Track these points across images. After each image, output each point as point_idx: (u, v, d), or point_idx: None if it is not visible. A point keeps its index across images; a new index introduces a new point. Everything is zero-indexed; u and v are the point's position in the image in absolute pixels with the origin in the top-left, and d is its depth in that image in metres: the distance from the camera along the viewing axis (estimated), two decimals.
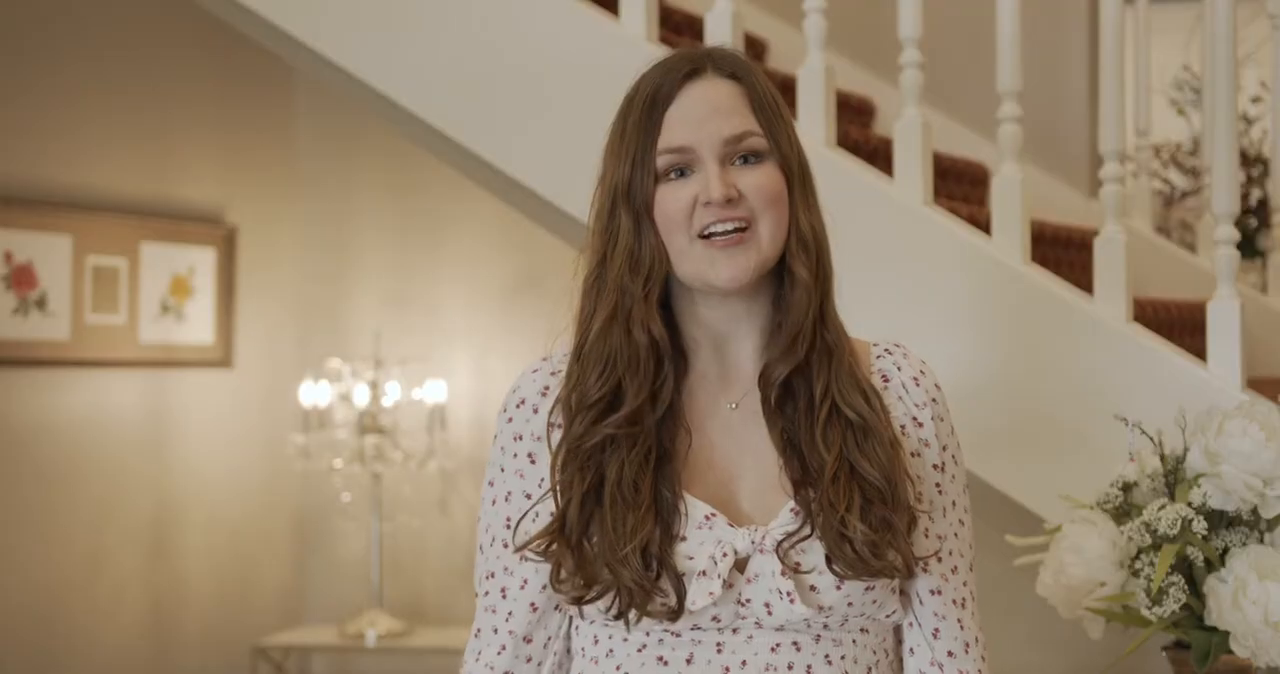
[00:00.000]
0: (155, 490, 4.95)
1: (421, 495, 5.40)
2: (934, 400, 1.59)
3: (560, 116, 2.68)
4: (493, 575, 1.58)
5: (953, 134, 3.65)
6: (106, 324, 4.78)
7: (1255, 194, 4.32)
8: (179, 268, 5.05)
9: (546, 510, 1.52)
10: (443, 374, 5.30)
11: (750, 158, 1.52)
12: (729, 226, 1.49)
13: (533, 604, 1.56)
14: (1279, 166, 3.30)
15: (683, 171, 1.51)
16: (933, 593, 1.56)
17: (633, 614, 1.46)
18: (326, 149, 5.52)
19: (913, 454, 1.55)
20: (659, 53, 2.46)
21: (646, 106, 1.52)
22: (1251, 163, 4.41)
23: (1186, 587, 1.93)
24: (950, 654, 1.56)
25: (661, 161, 1.51)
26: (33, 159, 4.58)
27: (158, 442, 4.96)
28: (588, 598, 1.47)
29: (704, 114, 1.51)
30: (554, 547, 1.48)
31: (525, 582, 1.56)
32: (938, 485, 1.57)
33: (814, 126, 2.57)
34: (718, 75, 1.54)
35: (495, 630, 1.58)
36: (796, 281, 1.52)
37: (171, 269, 5.02)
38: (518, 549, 1.52)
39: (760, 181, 1.51)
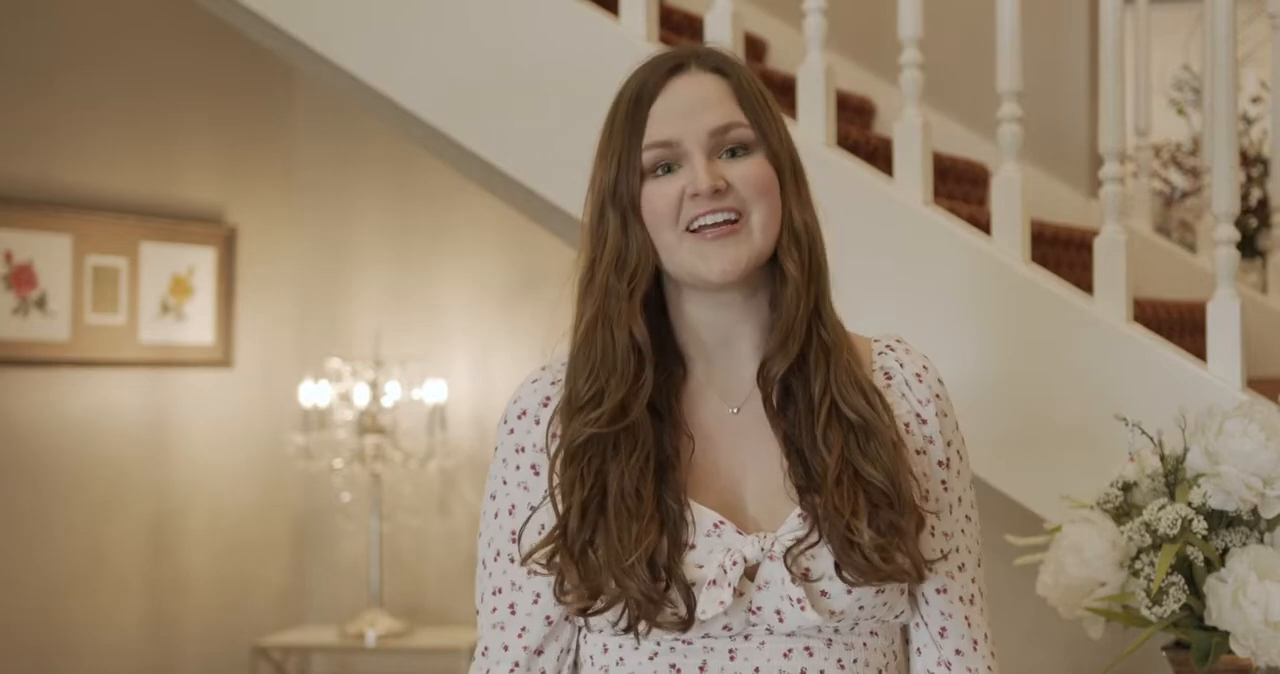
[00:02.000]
0: (155, 490, 4.95)
1: (421, 495, 5.40)
2: (937, 396, 1.57)
3: (560, 116, 2.68)
4: (499, 591, 1.54)
5: (953, 134, 3.65)
6: (106, 324, 4.78)
7: (1255, 194, 4.31)
8: (179, 268, 5.05)
9: (551, 522, 1.49)
10: (443, 374, 5.30)
11: (738, 150, 1.49)
12: (719, 218, 1.47)
13: (548, 618, 1.53)
14: (1279, 166, 3.30)
15: (669, 167, 1.49)
16: (939, 591, 1.54)
17: (642, 626, 1.44)
18: (327, 149, 5.52)
19: (917, 452, 1.53)
20: (659, 53, 2.45)
21: (631, 104, 1.51)
22: (1251, 163, 4.40)
23: (1186, 587, 1.93)
24: (958, 652, 1.55)
25: (647, 157, 1.49)
26: (33, 159, 4.58)
27: (158, 442, 4.96)
28: (594, 609, 1.45)
29: (689, 107, 1.49)
30: (557, 558, 1.46)
31: (538, 596, 1.52)
32: (943, 482, 1.55)
33: (814, 126, 2.57)
34: (702, 70, 1.52)
35: (506, 648, 1.54)
36: (787, 278, 1.50)
37: (171, 269, 5.02)
38: (523, 561, 1.49)
39: (749, 171, 1.48)
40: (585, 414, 1.48)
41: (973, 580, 1.57)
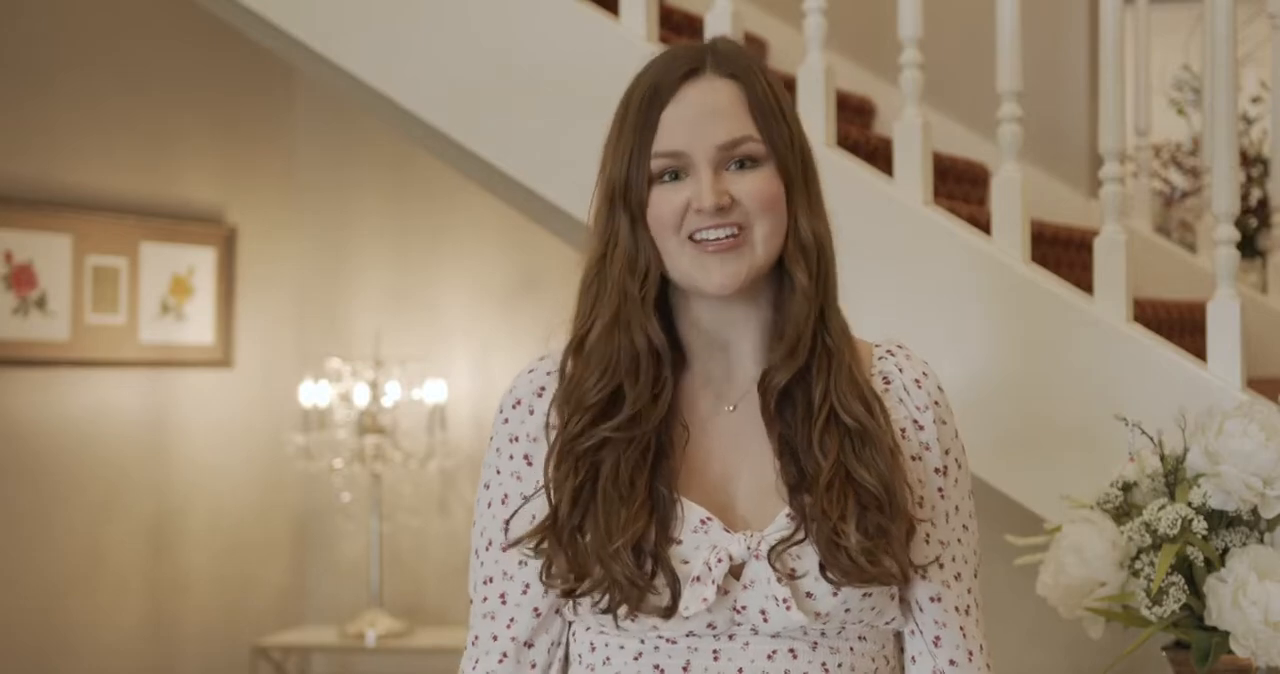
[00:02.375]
0: (155, 490, 4.95)
1: (421, 495, 5.40)
2: (936, 403, 1.57)
3: (560, 116, 2.68)
4: (490, 581, 1.55)
5: (953, 134, 3.65)
6: (106, 324, 4.78)
7: (1255, 194, 4.31)
8: (179, 268, 5.05)
9: (541, 511, 1.50)
10: (443, 374, 5.30)
11: (746, 163, 1.49)
12: (721, 234, 1.47)
13: (536, 609, 1.54)
14: (1279, 166, 3.30)
15: (676, 174, 1.49)
16: (933, 600, 1.54)
17: (623, 611, 1.44)
18: (327, 149, 5.52)
19: (913, 458, 1.53)
20: (659, 53, 2.46)
21: (644, 105, 1.50)
22: (1251, 163, 4.40)
23: (1186, 587, 1.93)
24: (952, 662, 1.54)
25: (655, 165, 1.49)
26: (33, 159, 4.58)
27: (158, 442, 4.96)
28: (579, 590, 1.45)
29: (700, 117, 1.48)
30: (545, 544, 1.47)
31: (527, 587, 1.53)
32: (939, 490, 1.55)
33: (814, 126, 2.57)
34: (717, 75, 1.51)
35: (495, 637, 1.55)
36: (795, 287, 1.50)
37: (171, 269, 5.02)
38: (509, 545, 1.50)
39: (754, 186, 1.48)
40: (595, 416, 1.48)
41: (969, 591, 1.56)
